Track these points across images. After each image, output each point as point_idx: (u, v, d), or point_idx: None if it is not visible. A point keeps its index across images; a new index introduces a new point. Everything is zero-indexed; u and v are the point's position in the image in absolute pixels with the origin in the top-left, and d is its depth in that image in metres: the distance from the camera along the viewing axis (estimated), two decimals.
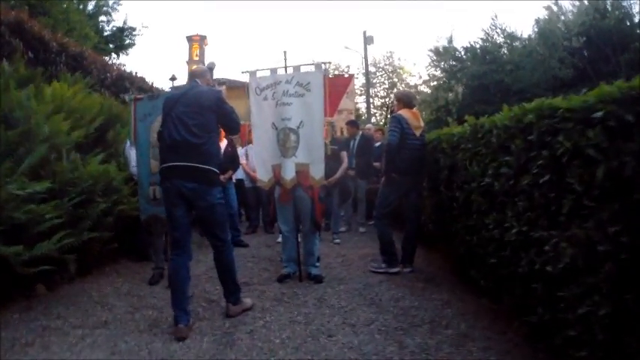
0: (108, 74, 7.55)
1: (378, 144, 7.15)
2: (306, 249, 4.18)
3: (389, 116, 5.60)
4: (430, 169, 4.56)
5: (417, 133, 4.20)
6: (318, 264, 4.20)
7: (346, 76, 11.03)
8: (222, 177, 5.82)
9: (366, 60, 18.25)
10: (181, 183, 3.02)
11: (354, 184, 6.68)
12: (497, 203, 2.82)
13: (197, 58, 33.12)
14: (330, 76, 11.51)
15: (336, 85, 10.51)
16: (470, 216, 3.33)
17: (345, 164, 5.96)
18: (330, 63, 3.97)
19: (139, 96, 4.31)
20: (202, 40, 34.90)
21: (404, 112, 4.23)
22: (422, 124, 4.31)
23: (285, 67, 4.32)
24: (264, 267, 4.72)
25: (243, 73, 4.07)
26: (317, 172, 3.88)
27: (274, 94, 3.97)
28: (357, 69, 23.06)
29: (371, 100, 21.97)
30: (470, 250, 3.41)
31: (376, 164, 6.76)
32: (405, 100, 4.43)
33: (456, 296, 3.53)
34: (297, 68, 4.04)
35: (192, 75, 3.44)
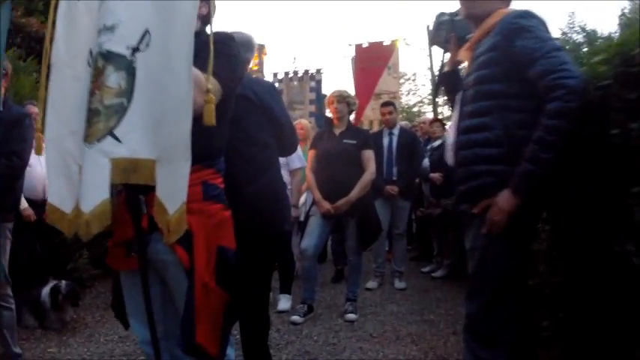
0: None
1: (437, 143, 4.30)
2: None
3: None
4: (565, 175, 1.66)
5: None
6: None
7: (386, 43, 7.28)
8: None
9: (431, 58, 15.18)
10: None
11: (389, 208, 3.86)
12: None
13: (256, 68, 32.27)
14: (363, 45, 7.40)
15: (371, 58, 7.01)
16: None
17: (369, 173, 3.21)
18: None
19: None
20: (261, 49, 33.96)
21: None
22: None
23: None
24: None
25: None
26: (170, 189, 1.04)
27: None
28: (423, 75, 20.13)
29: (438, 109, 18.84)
30: None
31: (433, 175, 4.15)
32: None
33: None
34: None
35: None
